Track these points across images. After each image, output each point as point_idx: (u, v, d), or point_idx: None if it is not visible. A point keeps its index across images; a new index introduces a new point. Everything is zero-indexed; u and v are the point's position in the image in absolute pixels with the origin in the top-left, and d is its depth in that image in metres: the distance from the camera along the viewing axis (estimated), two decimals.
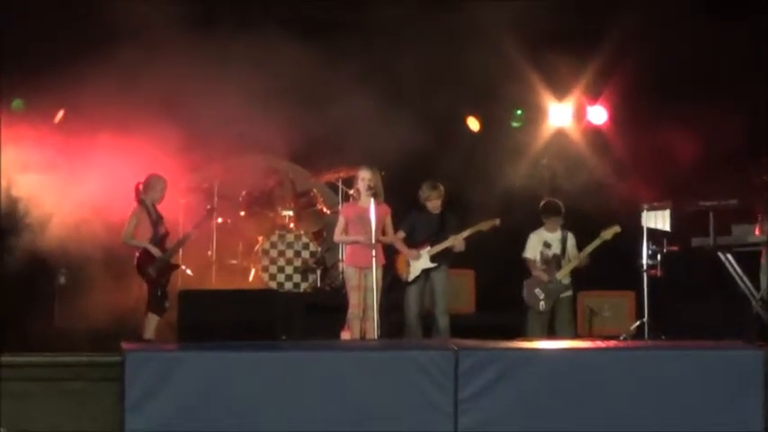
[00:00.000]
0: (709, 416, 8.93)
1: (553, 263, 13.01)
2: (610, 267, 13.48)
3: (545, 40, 14.55)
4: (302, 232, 14.44)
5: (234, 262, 14.64)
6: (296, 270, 14.29)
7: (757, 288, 12.89)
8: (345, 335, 11.84)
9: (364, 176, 11.88)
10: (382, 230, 11.94)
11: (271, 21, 13.62)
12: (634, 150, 15.06)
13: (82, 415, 8.93)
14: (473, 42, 14.10)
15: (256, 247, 14.40)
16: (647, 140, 14.80)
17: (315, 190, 14.94)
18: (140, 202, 12.81)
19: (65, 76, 13.03)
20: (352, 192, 12.32)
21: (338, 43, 13.89)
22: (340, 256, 13.66)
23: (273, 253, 14.30)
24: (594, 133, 15.63)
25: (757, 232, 12.94)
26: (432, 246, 12.71)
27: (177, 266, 13.29)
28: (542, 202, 13.30)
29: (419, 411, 8.74)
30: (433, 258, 12.72)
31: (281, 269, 14.28)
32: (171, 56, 13.09)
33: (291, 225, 14.55)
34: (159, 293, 12.71)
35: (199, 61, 13.32)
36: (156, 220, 12.90)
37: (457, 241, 12.67)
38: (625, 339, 12.87)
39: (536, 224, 13.23)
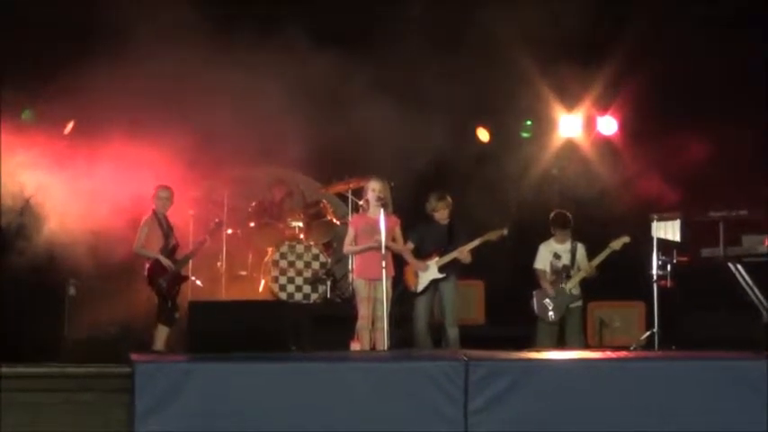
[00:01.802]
0: (717, 426, 8.92)
1: (563, 274, 13.03)
2: (620, 278, 13.47)
3: (555, 51, 14.54)
4: (312, 243, 14.43)
5: (244, 273, 14.64)
6: (306, 281, 14.28)
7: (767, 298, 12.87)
8: (355, 346, 11.83)
9: (374, 187, 11.88)
10: (392, 241, 11.93)
11: (281, 31, 13.62)
12: (644, 161, 15.05)
13: (91, 426, 8.92)
14: (483, 53, 14.10)
15: (266, 258, 14.40)
16: (657, 151, 14.78)
17: (324, 201, 14.92)
18: (152, 211, 12.84)
19: (75, 87, 13.04)
20: (361, 203, 12.33)
21: (349, 54, 13.89)
22: (350, 267, 13.65)
23: (283, 264, 14.29)
24: (604, 144, 15.63)
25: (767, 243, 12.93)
26: (440, 256, 12.70)
27: (187, 278, 13.30)
28: (552, 214, 13.29)
29: (429, 422, 8.73)
30: (441, 269, 12.71)
31: (290, 280, 14.27)
32: (180, 65, 13.10)
33: (301, 236, 14.54)
34: (169, 305, 12.72)
35: (209, 71, 13.32)
36: (167, 231, 12.92)
37: (462, 254, 12.66)
38: (635, 350, 12.84)
39: (545, 235, 13.24)
